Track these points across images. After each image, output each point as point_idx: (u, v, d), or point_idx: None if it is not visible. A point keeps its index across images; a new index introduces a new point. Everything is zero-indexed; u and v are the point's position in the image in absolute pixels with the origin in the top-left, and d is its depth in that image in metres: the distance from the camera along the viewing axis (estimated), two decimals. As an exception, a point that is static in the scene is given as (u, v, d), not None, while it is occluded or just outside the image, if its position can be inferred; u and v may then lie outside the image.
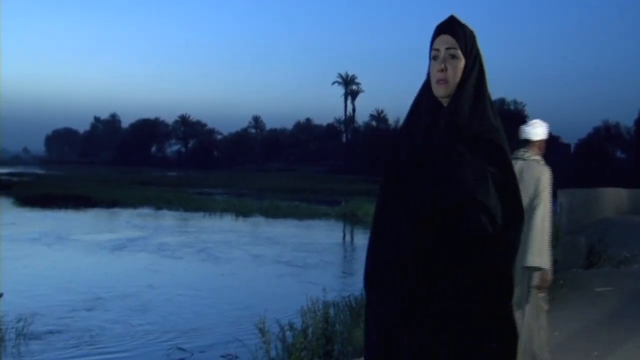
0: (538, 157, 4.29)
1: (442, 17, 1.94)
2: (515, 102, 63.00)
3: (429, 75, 1.91)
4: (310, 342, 4.86)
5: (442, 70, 1.84)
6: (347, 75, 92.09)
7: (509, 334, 1.83)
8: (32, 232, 20.48)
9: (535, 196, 4.09)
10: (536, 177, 4.16)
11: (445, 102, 1.86)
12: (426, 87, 1.92)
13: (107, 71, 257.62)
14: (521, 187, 4.23)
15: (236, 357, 7.56)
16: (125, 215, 27.26)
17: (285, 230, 22.78)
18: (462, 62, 1.86)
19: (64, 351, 7.96)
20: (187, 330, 8.89)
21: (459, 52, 1.85)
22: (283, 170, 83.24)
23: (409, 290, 1.79)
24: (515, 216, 1.85)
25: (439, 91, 1.86)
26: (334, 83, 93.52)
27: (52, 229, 21.57)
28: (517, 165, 4.03)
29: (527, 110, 62.47)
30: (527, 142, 4.31)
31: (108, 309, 10.07)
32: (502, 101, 63.26)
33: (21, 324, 8.43)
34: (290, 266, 14.62)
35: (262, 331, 4.88)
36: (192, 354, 7.90)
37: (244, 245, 18.30)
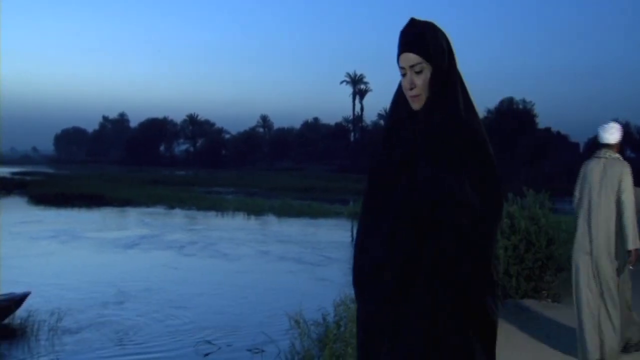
0: (618, 155, 4.85)
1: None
2: (524, 101, 62.87)
3: (399, 86, 1.99)
4: (343, 334, 5.08)
5: (411, 88, 1.90)
6: (356, 75, 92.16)
7: (488, 329, 1.86)
8: (48, 230, 20.80)
9: (620, 190, 4.69)
10: (619, 173, 4.72)
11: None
12: (401, 95, 1.98)
13: (115, 71, 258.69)
14: (606, 182, 4.70)
15: (262, 351, 7.79)
16: (138, 214, 27.54)
17: (300, 229, 23.00)
18: (428, 73, 1.90)
19: (96, 344, 8.21)
20: (214, 324, 9.15)
21: (423, 66, 1.89)
22: (291, 169, 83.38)
23: (388, 290, 1.83)
24: (493, 206, 1.87)
25: (414, 105, 1.93)
26: (342, 82, 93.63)
27: (68, 227, 21.87)
28: (601, 164, 4.78)
29: (536, 109, 62.45)
30: (607, 145, 4.88)
31: (134, 305, 10.34)
32: (510, 100, 63.18)
33: (54, 318, 8.72)
34: (309, 264, 14.83)
35: (297, 323, 5.09)
36: (219, 348, 8.13)
37: (259, 243, 18.54)
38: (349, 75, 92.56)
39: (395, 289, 1.82)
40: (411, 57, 1.89)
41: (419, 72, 1.89)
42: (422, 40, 1.89)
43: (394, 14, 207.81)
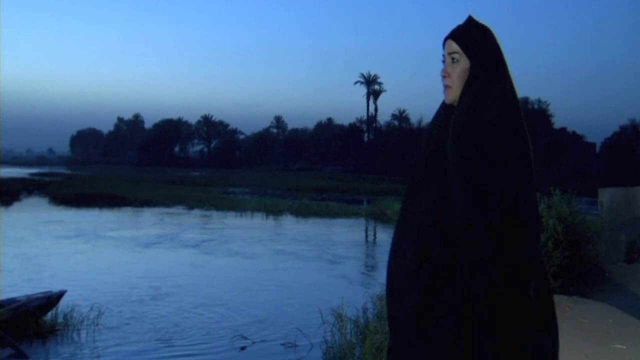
0: None
1: (464, 16, 1.95)
2: (539, 100, 62.84)
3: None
4: (384, 327, 5.32)
5: (445, 77, 1.86)
6: (370, 75, 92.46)
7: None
8: (73, 229, 21.20)
9: None
10: None
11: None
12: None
13: (130, 72, 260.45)
14: None
15: (295, 345, 8.07)
16: (159, 214, 27.92)
17: (319, 228, 23.28)
18: (464, 65, 1.85)
19: (135, 338, 8.53)
20: (247, 320, 9.45)
21: (461, 55, 1.85)
22: (306, 169, 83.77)
23: (414, 302, 1.77)
24: (527, 226, 1.74)
25: (445, 97, 1.88)
26: (356, 83, 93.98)
27: (91, 227, 22.27)
28: None
29: (551, 109, 62.39)
30: None
31: (168, 301, 10.66)
32: (525, 100, 63.11)
33: (93, 313, 9.04)
34: (332, 262, 15.12)
35: (340, 317, 5.34)
36: (254, 343, 8.43)
37: (282, 242, 18.84)
38: (363, 75, 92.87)
39: (422, 299, 1.76)
40: (452, 45, 1.86)
41: (455, 62, 1.86)
42: (466, 32, 1.88)
43: (409, 14, 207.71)
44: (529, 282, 1.76)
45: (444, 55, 1.88)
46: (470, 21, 1.90)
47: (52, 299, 9.12)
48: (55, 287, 10.12)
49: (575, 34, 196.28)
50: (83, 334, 8.64)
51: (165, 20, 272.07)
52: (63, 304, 9.31)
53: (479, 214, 1.69)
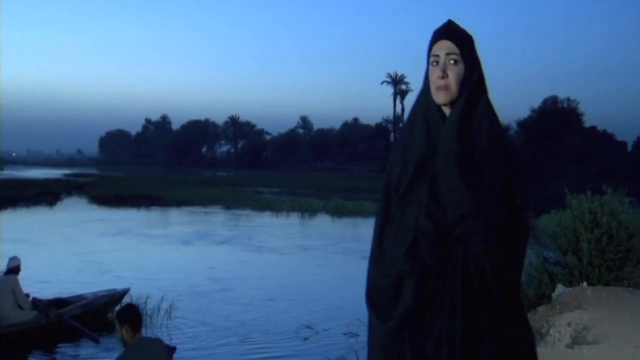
0: None
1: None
2: (568, 99, 62.35)
3: (426, 81, 1.85)
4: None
5: (442, 77, 1.77)
6: (397, 75, 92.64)
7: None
8: (118, 227, 21.97)
9: None
10: None
11: (446, 109, 1.80)
12: (424, 93, 1.85)
13: (157, 73, 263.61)
14: None
15: (357, 335, 8.58)
16: (198, 214, 28.65)
17: (360, 228, 23.79)
18: (461, 68, 1.79)
19: (206, 329, 9.11)
20: (310, 311, 10.05)
21: (459, 58, 1.79)
22: (333, 169, 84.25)
23: (407, 308, 1.71)
24: (521, 231, 1.74)
25: (439, 98, 1.78)
26: (382, 82, 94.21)
27: (135, 225, 23.04)
28: None
29: (581, 107, 61.91)
30: None
31: (230, 294, 11.27)
32: (554, 99, 62.77)
33: (165, 306, 9.61)
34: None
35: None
36: (318, 332, 8.96)
37: (326, 239, 19.39)
38: (389, 75, 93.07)
39: (417, 305, 1.70)
40: (449, 45, 1.79)
41: (454, 63, 1.78)
42: (461, 36, 1.83)
43: (435, 14, 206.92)
44: (520, 277, 1.78)
45: (435, 56, 1.80)
46: (458, 25, 1.86)
47: (116, 297, 9.63)
48: (115, 283, 10.73)
49: (604, 31, 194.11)
50: (156, 328, 9.12)
51: (193, 22, 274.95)
52: (129, 299, 9.77)
53: (479, 206, 1.66)
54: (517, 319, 1.73)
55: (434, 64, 1.80)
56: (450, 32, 1.81)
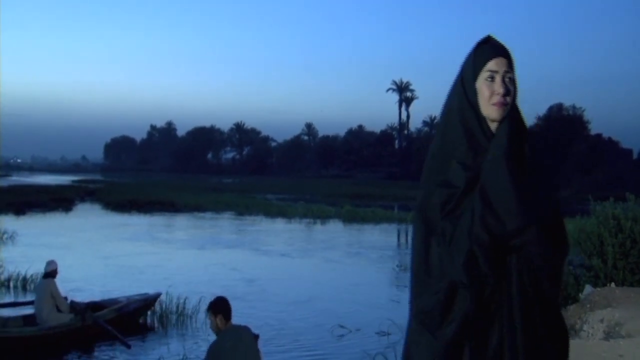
0: None
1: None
2: (574, 107, 62.84)
3: (467, 95, 1.86)
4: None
5: (505, 95, 1.81)
6: (402, 82, 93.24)
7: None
8: (137, 232, 22.40)
9: None
10: None
11: (492, 124, 1.84)
12: (464, 109, 1.86)
13: (163, 80, 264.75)
14: None
15: (388, 334, 9.02)
16: (212, 219, 29.07)
17: (371, 233, 24.21)
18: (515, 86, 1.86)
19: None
20: (341, 312, 10.47)
21: (514, 76, 1.85)
22: (339, 176, 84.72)
23: (467, 314, 1.73)
24: (561, 246, 1.79)
25: (496, 114, 1.82)
26: (388, 90, 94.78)
27: (153, 230, 23.47)
28: None
29: (586, 115, 62.33)
30: None
31: (261, 297, 11.70)
32: (560, 107, 63.23)
33: (204, 305, 10.01)
34: (393, 262, 16.06)
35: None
36: (351, 331, 9.40)
37: (341, 246, 19.83)
38: (395, 82, 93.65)
39: (476, 312, 1.72)
40: (506, 62, 1.84)
41: (512, 81, 1.84)
42: (510, 53, 1.88)
43: (441, 22, 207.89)
44: (561, 285, 1.85)
45: (494, 72, 1.83)
46: (503, 43, 1.90)
47: (149, 301, 9.95)
48: (146, 286, 11.11)
49: (609, 39, 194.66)
50: (201, 328, 9.46)
51: (199, 29, 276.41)
52: (163, 302, 10.16)
53: (537, 217, 1.71)
54: (563, 327, 1.82)
55: (489, 79, 1.82)
56: (505, 49, 1.86)
